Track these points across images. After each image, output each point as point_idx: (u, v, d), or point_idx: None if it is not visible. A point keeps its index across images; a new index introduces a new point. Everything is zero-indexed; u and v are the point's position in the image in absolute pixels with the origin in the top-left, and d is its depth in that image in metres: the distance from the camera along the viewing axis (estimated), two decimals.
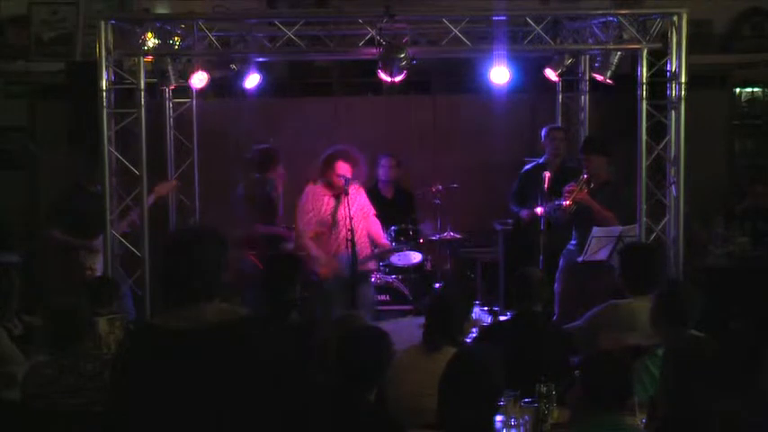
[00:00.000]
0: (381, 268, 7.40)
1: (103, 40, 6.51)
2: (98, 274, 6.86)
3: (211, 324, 2.95)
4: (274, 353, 3.01)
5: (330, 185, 6.76)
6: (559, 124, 8.31)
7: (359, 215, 6.87)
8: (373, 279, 7.10)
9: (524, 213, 7.68)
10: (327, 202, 6.80)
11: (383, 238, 7.08)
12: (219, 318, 2.96)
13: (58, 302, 4.60)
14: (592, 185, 6.97)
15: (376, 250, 6.98)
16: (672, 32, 6.53)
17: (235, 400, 2.91)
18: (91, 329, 4.57)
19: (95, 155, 6.71)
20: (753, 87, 9.36)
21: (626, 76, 7.04)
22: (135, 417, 2.95)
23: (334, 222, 6.76)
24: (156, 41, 6.84)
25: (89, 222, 6.94)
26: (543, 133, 7.81)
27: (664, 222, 6.72)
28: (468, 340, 4.97)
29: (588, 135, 8.13)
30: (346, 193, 6.59)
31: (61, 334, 4.41)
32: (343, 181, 6.63)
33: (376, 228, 7.04)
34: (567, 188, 6.95)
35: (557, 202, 7.03)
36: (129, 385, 2.98)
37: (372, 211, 7.08)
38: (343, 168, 6.69)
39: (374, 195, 7.58)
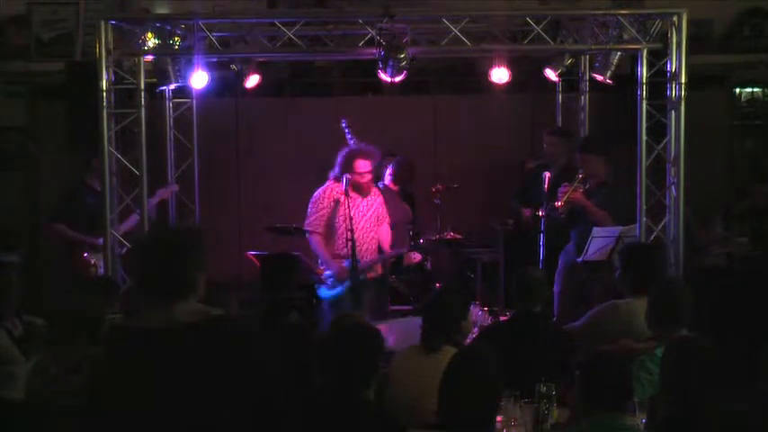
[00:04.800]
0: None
1: (103, 40, 6.51)
2: (101, 270, 6.88)
3: (181, 324, 2.94)
4: (249, 353, 2.98)
5: (353, 186, 6.75)
6: (559, 125, 8.31)
7: (372, 220, 6.87)
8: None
9: (527, 211, 7.67)
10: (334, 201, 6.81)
11: (387, 244, 7.08)
12: (190, 318, 2.95)
13: (63, 302, 4.60)
14: (588, 185, 6.97)
15: (379, 257, 6.98)
16: (672, 32, 6.53)
17: (205, 401, 2.90)
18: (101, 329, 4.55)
19: (95, 154, 6.72)
20: (753, 87, 9.35)
21: (626, 76, 7.03)
22: (107, 417, 2.95)
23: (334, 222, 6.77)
24: (156, 41, 6.83)
25: (94, 219, 6.97)
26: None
27: (664, 222, 6.71)
28: (468, 340, 4.97)
29: (586, 135, 8.13)
30: (347, 194, 6.59)
31: (65, 333, 4.41)
32: (367, 179, 6.66)
33: (385, 235, 7.03)
34: (561, 189, 6.96)
35: (552, 204, 7.05)
36: (102, 386, 2.99)
37: (387, 218, 7.08)
38: (362, 166, 6.71)
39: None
